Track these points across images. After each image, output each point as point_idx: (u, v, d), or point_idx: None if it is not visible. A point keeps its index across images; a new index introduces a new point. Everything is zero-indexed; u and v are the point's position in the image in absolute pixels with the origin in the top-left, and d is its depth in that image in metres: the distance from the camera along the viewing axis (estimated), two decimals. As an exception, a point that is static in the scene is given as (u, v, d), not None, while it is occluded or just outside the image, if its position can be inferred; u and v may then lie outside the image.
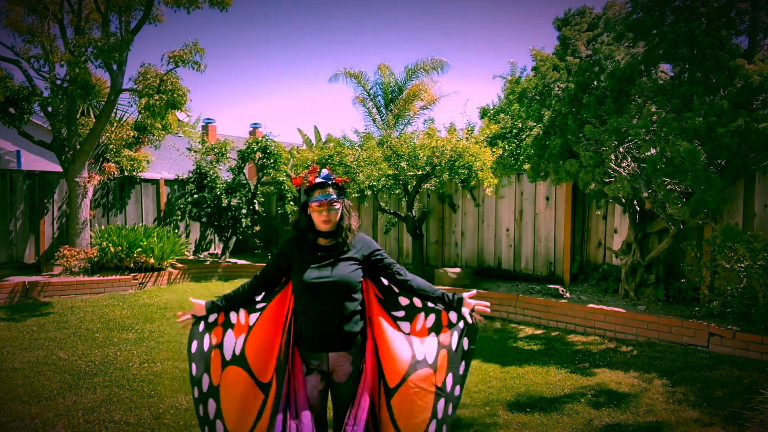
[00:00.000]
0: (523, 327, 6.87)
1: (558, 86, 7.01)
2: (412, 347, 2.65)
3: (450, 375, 2.62)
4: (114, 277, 9.19)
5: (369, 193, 8.93)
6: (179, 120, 11.42)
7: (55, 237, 10.36)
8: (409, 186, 8.80)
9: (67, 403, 4.30)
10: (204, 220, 11.24)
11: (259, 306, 2.76)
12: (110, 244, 9.50)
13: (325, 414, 2.76)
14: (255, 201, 11.69)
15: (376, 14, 55.35)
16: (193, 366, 2.69)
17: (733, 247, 5.67)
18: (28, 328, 6.63)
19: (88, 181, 9.91)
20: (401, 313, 2.75)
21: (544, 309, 6.90)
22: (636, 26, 6.39)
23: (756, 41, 6.32)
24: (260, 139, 11.45)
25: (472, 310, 2.71)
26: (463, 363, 2.66)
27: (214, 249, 12.81)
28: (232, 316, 2.77)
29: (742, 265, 5.59)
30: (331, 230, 2.66)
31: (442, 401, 2.58)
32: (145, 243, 9.63)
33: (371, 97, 17.50)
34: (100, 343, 6.02)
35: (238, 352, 2.67)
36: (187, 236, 12.29)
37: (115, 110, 10.63)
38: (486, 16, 56.84)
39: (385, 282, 2.77)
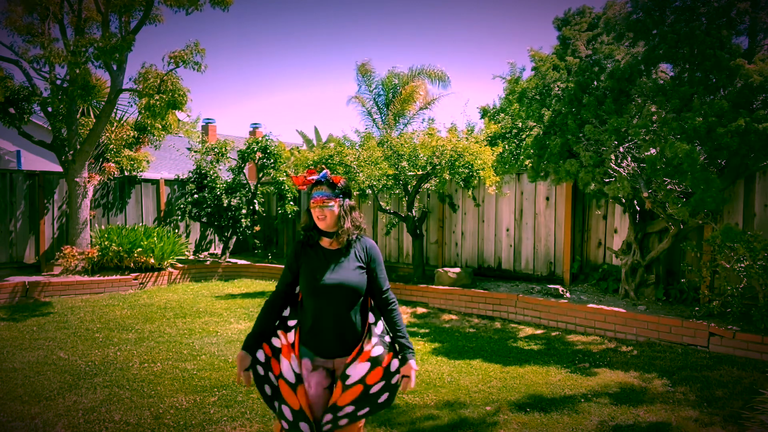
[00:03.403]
0: (523, 327, 6.87)
1: (558, 86, 7.01)
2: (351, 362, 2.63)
3: (351, 407, 2.57)
4: (114, 277, 9.20)
5: (369, 192, 8.93)
6: (179, 120, 11.44)
7: (55, 237, 10.37)
8: (410, 186, 8.81)
9: (67, 403, 4.30)
10: (204, 220, 11.24)
11: (291, 324, 2.75)
12: (110, 244, 9.50)
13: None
14: (255, 201, 11.69)
15: (378, 15, 55.35)
16: (275, 404, 2.67)
17: (733, 247, 5.67)
18: (28, 328, 6.63)
19: (88, 181, 9.91)
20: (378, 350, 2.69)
21: (544, 309, 6.90)
22: (636, 26, 6.39)
23: (756, 41, 6.32)
24: (260, 139, 11.45)
25: (403, 376, 2.65)
26: (368, 409, 2.60)
27: (214, 249, 12.81)
28: (275, 342, 2.73)
29: (742, 265, 5.59)
30: (330, 230, 2.66)
31: (329, 416, 2.56)
32: (145, 243, 9.63)
33: (374, 97, 17.51)
34: (100, 343, 6.03)
35: (298, 370, 2.66)
36: (187, 236, 12.29)
37: (115, 110, 10.63)
38: (486, 16, 56.83)
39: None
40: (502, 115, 10.38)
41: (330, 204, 2.63)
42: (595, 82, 6.66)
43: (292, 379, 2.64)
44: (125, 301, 8.32)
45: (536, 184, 8.49)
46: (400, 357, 2.67)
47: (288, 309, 2.78)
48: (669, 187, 5.87)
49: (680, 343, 5.78)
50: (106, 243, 9.56)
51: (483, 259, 9.29)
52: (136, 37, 9.30)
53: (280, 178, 11.47)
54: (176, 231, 11.74)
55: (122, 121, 11.91)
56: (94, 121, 10.20)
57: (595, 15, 7.50)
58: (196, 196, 11.08)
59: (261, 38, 56.34)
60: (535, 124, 7.66)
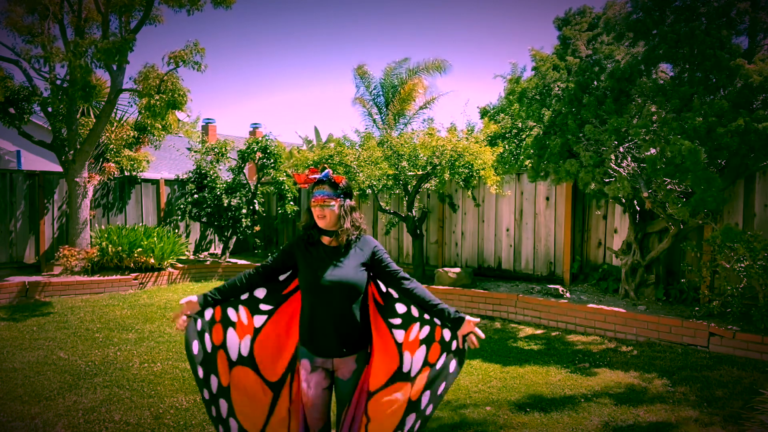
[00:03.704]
0: (523, 327, 6.87)
1: (558, 86, 7.01)
2: (400, 357, 2.63)
3: (428, 392, 2.52)
4: (114, 277, 9.19)
5: (369, 192, 8.92)
6: (179, 120, 11.42)
7: (55, 237, 10.36)
8: (410, 186, 8.80)
9: (67, 403, 4.30)
10: (204, 220, 11.24)
11: (264, 308, 2.76)
12: (110, 244, 9.50)
13: (329, 411, 2.77)
14: (255, 201, 11.69)
15: (378, 15, 55.34)
16: (199, 369, 2.59)
17: (733, 247, 5.67)
18: (28, 328, 6.63)
19: (88, 181, 9.91)
20: (397, 321, 2.70)
21: (544, 309, 6.90)
22: (636, 26, 6.39)
23: (756, 41, 6.32)
24: (260, 139, 11.45)
25: (465, 336, 2.56)
26: (444, 384, 2.52)
27: (214, 249, 12.81)
28: (231, 313, 2.72)
29: (742, 265, 5.59)
30: (330, 229, 2.67)
31: (412, 416, 2.49)
32: (145, 243, 9.63)
33: (373, 97, 17.50)
34: (100, 343, 6.03)
35: (245, 353, 2.69)
36: (187, 236, 12.29)
37: (115, 110, 10.63)
38: (487, 16, 56.82)
39: (384, 288, 2.76)
40: (502, 115, 10.37)
41: (331, 204, 2.64)
42: (595, 82, 6.66)
43: (234, 356, 2.64)
44: (125, 301, 8.32)
45: (536, 184, 8.49)
46: (449, 323, 2.57)
47: (264, 291, 2.77)
48: (669, 187, 5.87)
49: (680, 343, 5.78)
50: (106, 243, 9.55)
51: (483, 259, 9.29)
52: (137, 37, 9.30)
53: (280, 178, 11.47)
54: (176, 231, 11.74)
55: (122, 121, 11.91)
56: (94, 121, 10.20)
57: (595, 15, 7.50)
58: (196, 196, 11.08)
59: (261, 38, 56.32)
60: (535, 124, 7.66)
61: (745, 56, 6.06)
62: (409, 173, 8.62)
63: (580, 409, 4.16)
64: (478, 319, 2.58)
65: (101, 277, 9.09)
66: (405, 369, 2.60)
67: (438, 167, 8.26)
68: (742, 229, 6.31)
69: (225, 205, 11.04)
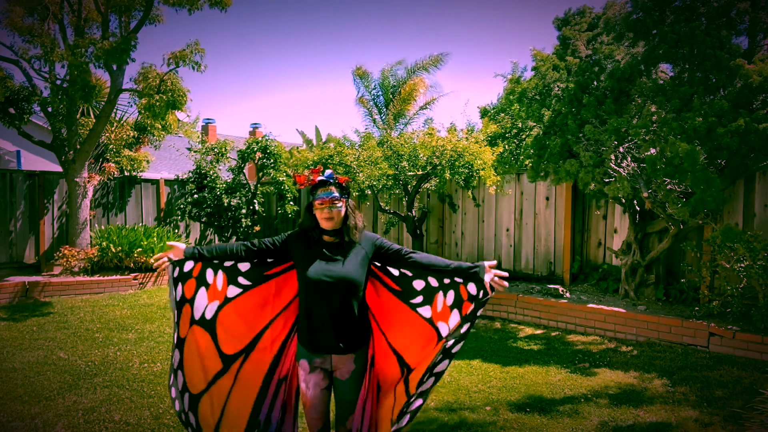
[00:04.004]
0: (523, 327, 6.87)
1: (558, 86, 7.01)
2: (436, 330, 2.62)
3: (452, 339, 2.56)
4: (114, 277, 9.19)
5: (369, 193, 8.92)
6: (179, 120, 11.43)
7: (55, 237, 10.36)
8: (410, 186, 8.80)
9: (67, 403, 4.30)
10: (204, 220, 11.24)
11: (242, 281, 2.78)
12: (110, 244, 9.50)
13: (328, 412, 2.77)
14: (255, 201, 11.69)
15: (378, 15, 55.34)
16: (175, 312, 2.70)
17: (733, 247, 5.67)
18: (28, 328, 6.63)
19: (88, 181, 9.91)
20: (419, 299, 2.70)
21: (544, 309, 6.90)
22: (636, 26, 6.39)
23: (756, 41, 6.32)
24: (260, 139, 11.45)
25: (491, 280, 2.55)
26: (468, 324, 2.55)
27: (214, 249, 12.79)
28: (209, 274, 2.75)
29: (742, 265, 5.59)
30: (335, 229, 2.67)
31: (439, 357, 2.55)
32: (145, 243, 9.63)
33: (373, 97, 17.50)
34: (100, 343, 6.02)
35: (208, 317, 2.73)
36: (187, 236, 12.29)
37: (115, 110, 10.63)
38: (486, 16, 56.82)
39: (396, 272, 2.75)
40: (502, 114, 10.37)
41: (338, 204, 2.65)
42: (595, 82, 6.66)
43: (198, 315, 2.69)
44: (125, 301, 8.31)
45: (536, 184, 8.49)
46: (471, 278, 2.56)
47: (248, 266, 2.78)
48: (669, 187, 5.87)
49: (680, 343, 5.78)
50: (106, 243, 9.55)
51: (483, 259, 9.28)
52: (137, 37, 9.30)
53: (280, 178, 11.47)
54: (176, 231, 11.74)
55: (122, 121, 11.90)
56: (94, 121, 10.20)
57: (595, 15, 7.50)
58: (196, 196, 11.08)
59: (261, 38, 56.32)
60: (535, 124, 7.66)
61: (745, 56, 6.06)
62: (409, 173, 8.62)
63: (580, 409, 4.16)
64: (494, 262, 2.60)
65: (101, 277, 9.09)
66: (444, 334, 2.60)
67: (438, 167, 8.26)
68: (742, 229, 6.31)
69: (225, 205, 11.04)
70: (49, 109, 9.65)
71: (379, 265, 2.78)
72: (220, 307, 2.75)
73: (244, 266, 2.79)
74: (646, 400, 4.34)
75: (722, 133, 5.50)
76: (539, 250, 8.61)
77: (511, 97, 8.34)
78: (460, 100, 42.71)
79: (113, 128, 11.30)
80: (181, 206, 11.27)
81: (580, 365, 5.27)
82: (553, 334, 6.53)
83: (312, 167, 8.36)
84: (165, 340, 6.19)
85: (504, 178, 8.78)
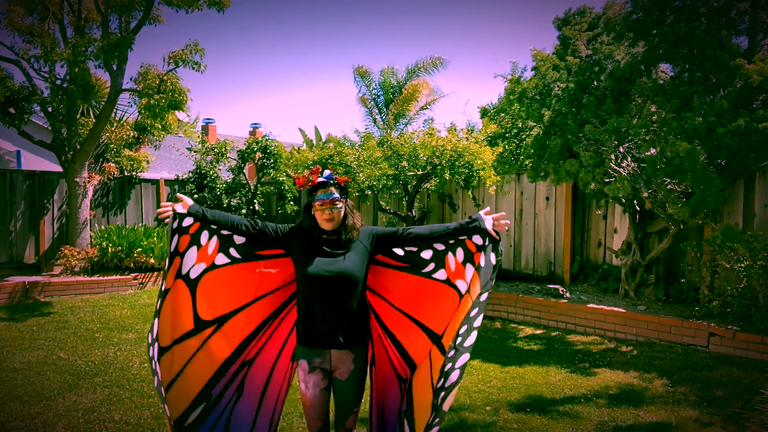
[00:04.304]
0: (523, 327, 6.87)
1: (558, 86, 7.01)
2: (456, 289, 2.64)
3: (483, 289, 2.58)
4: (114, 277, 9.19)
5: (369, 193, 8.92)
6: (179, 120, 11.43)
7: (55, 237, 10.36)
8: (410, 186, 8.80)
9: (67, 403, 4.30)
10: (204, 220, 11.23)
11: (232, 253, 2.78)
12: (110, 244, 9.50)
13: (328, 412, 2.77)
14: (255, 201, 11.69)
15: (378, 15, 55.36)
16: (167, 261, 2.70)
17: (733, 247, 5.66)
18: (28, 328, 6.63)
19: (88, 181, 9.91)
20: (431, 266, 2.74)
21: (544, 309, 6.90)
22: (636, 26, 6.39)
23: (756, 41, 6.32)
24: (260, 139, 11.45)
25: (492, 226, 2.65)
26: (490, 273, 2.62)
27: (214, 249, 12.79)
28: (204, 235, 2.76)
29: (742, 265, 5.59)
30: (335, 229, 2.68)
31: (475, 310, 2.56)
32: (145, 243, 9.63)
33: (373, 97, 17.50)
34: (100, 343, 6.03)
35: (192, 276, 2.73)
36: (187, 236, 12.27)
37: (115, 110, 10.62)
38: (486, 16, 56.83)
39: (401, 252, 2.78)
40: (502, 114, 10.37)
41: (339, 205, 2.67)
42: (595, 82, 6.66)
43: (184, 271, 2.70)
44: (125, 301, 8.31)
45: (536, 184, 8.48)
46: (474, 230, 2.65)
47: (242, 240, 2.79)
48: (669, 187, 5.87)
49: (680, 343, 5.78)
50: (106, 243, 9.55)
51: (483, 259, 9.27)
52: (137, 38, 9.31)
53: (280, 178, 11.47)
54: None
55: (122, 121, 11.90)
56: (94, 121, 10.19)
57: (595, 15, 7.50)
58: (195, 196, 11.08)
59: (261, 38, 56.34)
60: (535, 124, 7.66)
61: (745, 56, 6.06)
62: (409, 173, 8.62)
63: (580, 409, 4.16)
64: (488, 208, 2.73)
65: (101, 277, 9.09)
66: (464, 291, 2.61)
67: (438, 167, 8.26)
68: (742, 229, 6.31)
69: (225, 205, 11.03)
70: (49, 109, 9.65)
71: (384, 252, 2.79)
72: (205, 271, 2.75)
73: (239, 239, 2.79)
74: (646, 400, 4.34)
75: (722, 133, 5.49)
76: (539, 250, 8.61)
77: (511, 97, 8.35)
78: (461, 100, 42.73)
79: (113, 128, 11.30)
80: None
81: (580, 365, 5.27)
82: (553, 334, 6.53)
83: (312, 167, 8.36)
84: (165, 340, 6.19)
85: (504, 178, 8.77)
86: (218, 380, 2.78)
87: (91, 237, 10.04)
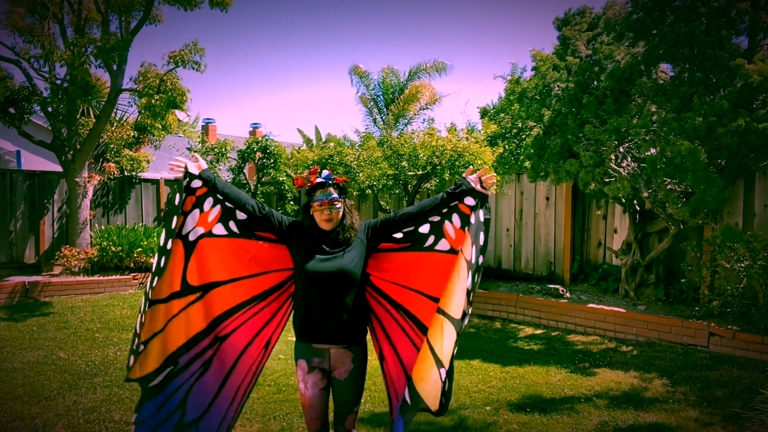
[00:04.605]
0: (523, 327, 6.87)
1: (558, 86, 7.01)
2: (462, 254, 2.62)
3: (474, 247, 2.61)
4: (114, 277, 9.19)
5: (369, 192, 8.92)
6: (179, 120, 11.42)
7: (55, 237, 10.36)
8: (410, 186, 8.80)
9: (67, 403, 4.30)
10: (204, 220, 11.23)
11: (231, 226, 2.79)
12: (110, 244, 9.50)
13: (327, 412, 2.77)
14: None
15: (378, 15, 55.39)
16: (174, 219, 2.71)
17: (733, 247, 5.66)
18: (28, 328, 6.63)
19: (88, 181, 9.91)
20: (431, 239, 2.77)
21: (544, 309, 6.90)
22: (636, 26, 6.39)
23: (756, 41, 6.32)
24: (260, 139, 11.45)
25: (480, 184, 2.71)
26: (482, 233, 2.66)
27: (214, 249, 12.79)
28: (208, 202, 2.76)
29: (742, 265, 5.59)
30: (333, 228, 2.70)
31: (471, 272, 2.58)
32: (145, 243, 9.63)
33: (373, 97, 17.49)
34: (100, 343, 6.02)
35: (191, 239, 2.75)
36: (187, 236, 12.27)
37: (115, 110, 10.63)
38: (486, 16, 56.85)
39: (399, 235, 2.80)
40: (502, 115, 10.37)
41: (338, 206, 2.69)
42: (595, 82, 6.65)
43: (184, 232, 2.72)
44: (125, 301, 8.31)
45: (536, 184, 8.48)
46: (463, 194, 2.71)
47: (244, 217, 2.79)
48: (669, 187, 5.87)
49: (680, 343, 5.78)
50: (106, 243, 9.55)
51: (484, 259, 9.26)
52: (137, 37, 9.31)
53: (280, 178, 11.47)
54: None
55: (122, 121, 11.90)
56: (94, 121, 10.19)
57: (595, 15, 7.50)
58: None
59: (261, 38, 56.35)
60: (535, 124, 7.66)
61: (745, 56, 6.06)
62: (409, 173, 8.62)
63: (580, 409, 4.16)
64: (470, 167, 2.83)
65: (101, 277, 9.09)
66: (470, 258, 2.61)
67: (438, 167, 8.25)
68: (742, 229, 6.31)
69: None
70: (49, 109, 9.65)
71: (383, 240, 2.81)
72: (201, 236, 2.76)
73: (241, 215, 2.79)
74: (646, 400, 4.34)
75: (722, 133, 5.49)
76: (539, 250, 8.60)
77: (511, 97, 8.35)
78: (461, 100, 42.73)
79: (113, 128, 11.30)
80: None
81: (580, 365, 5.27)
82: (553, 334, 6.53)
83: (311, 167, 8.36)
84: (165, 340, 6.19)
85: (504, 179, 8.77)
86: (189, 349, 2.77)
87: (91, 237, 10.04)
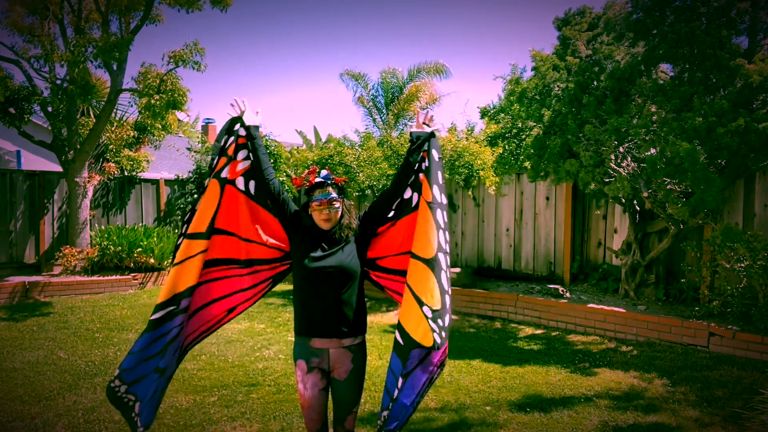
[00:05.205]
0: (523, 327, 6.87)
1: (558, 86, 7.00)
2: (422, 197, 2.69)
3: (435, 187, 2.67)
4: (114, 277, 9.19)
5: (369, 192, 8.93)
6: (179, 120, 11.43)
7: (55, 237, 10.36)
8: (409, 186, 8.79)
9: (67, 403, 4.30)
10: (204, 220, 11.23)
11: (250, 186, 2.86)
12: (110, 244, 9.50)
13: (326, 412, 2.77)
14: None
15: (377, 15, 55.39)
16: (216, 159, 2.81)
17: (733, 247, 5.66)
18: (28, 328, 6.63)
19: (88, 181, 9.91)
20: (416, 197, 2.78)
21: (544, 309, 6.90)
22: (636, 26, 6.39)
23: (756, 41, 6.32)
24: (260, 139, 11.44)
25: (426, 124, 2.80)
26: (439, 171, 2.74)
27: (214, 249, 12.79)
28: (241, 153, 2.84)
29: (742, 265, 5.59)
30: (332, 228, 2.72)
31: (436, 210, 2.64)
32: (145, 243, 9.62)
33: (372, 98, 17.48)
34: (100, 343, 6.03)
35: (223, 176, 2.82)
36: (188, 236, 12.26)
37: (115, 110, 10.62)
38: (486, 16, 56.86)
39: (391, 213, 2.83)
40: (502, 115, 10.37)
41: (336, 205, 2.71)
42: (595, 82, 6.65)
43: (221, 174, 2.79)
44: (125, 301, 8.32)
45: (536, 184, 8.48)
46: (419, 140, 2.76)
47: (264, 185, 2.82)
48: (669, 187, 5.86)
49: (680, 343, 5.78)
50: (106, 243, 9.55)
51: (483, 258, 9.28)
52: (137, 38, 9.31)
53: (280, 178, 11.46)
54: (176, 231, 11.73)
55: (122, 121, 11.89)
56: (94, 121, 10.20)
57: (595, 15, 7.50)
58: (196, 196, 11.08)
59: (260, 38, 56.36)
60: (535, 124, 7.65)
61: (745, 56, 6.06)
62: (409, 173, 8.61)
63: (580, 409, 4.16)
64: (417, 118, 2.85)
65: (101, 277, 9.09)
66: (431, 199, 2.67)
67: (438, 167, 8.24)
68: (742, 229, 6.31)
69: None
70: (49, 109, 9.65)
71: (380, 223, 2.84)
72: (228, 182, 2.83)
73: (259, 181, 2.85)
74: (646, 400, 4.34)
75: (722, 133, 5.49)
76: (539, 250, 8.60)
77: (511, 97, 8.34)
78: (461, 100, 42.71)
79: (113, 128, 11.29)
80: (181, 206, 11.26)
81: (580, 365, 5.27)
82: (553, 334, 6.53)
83: (312, 167, 8.36)
84: (165, 340, 6.18)
85: (504, 179, 8.77)
86: (191, 293, 2.74)
87: (91, 237, 10.04)
